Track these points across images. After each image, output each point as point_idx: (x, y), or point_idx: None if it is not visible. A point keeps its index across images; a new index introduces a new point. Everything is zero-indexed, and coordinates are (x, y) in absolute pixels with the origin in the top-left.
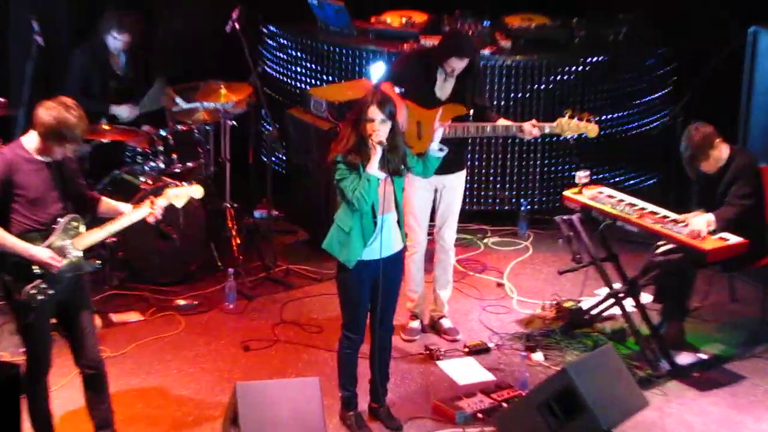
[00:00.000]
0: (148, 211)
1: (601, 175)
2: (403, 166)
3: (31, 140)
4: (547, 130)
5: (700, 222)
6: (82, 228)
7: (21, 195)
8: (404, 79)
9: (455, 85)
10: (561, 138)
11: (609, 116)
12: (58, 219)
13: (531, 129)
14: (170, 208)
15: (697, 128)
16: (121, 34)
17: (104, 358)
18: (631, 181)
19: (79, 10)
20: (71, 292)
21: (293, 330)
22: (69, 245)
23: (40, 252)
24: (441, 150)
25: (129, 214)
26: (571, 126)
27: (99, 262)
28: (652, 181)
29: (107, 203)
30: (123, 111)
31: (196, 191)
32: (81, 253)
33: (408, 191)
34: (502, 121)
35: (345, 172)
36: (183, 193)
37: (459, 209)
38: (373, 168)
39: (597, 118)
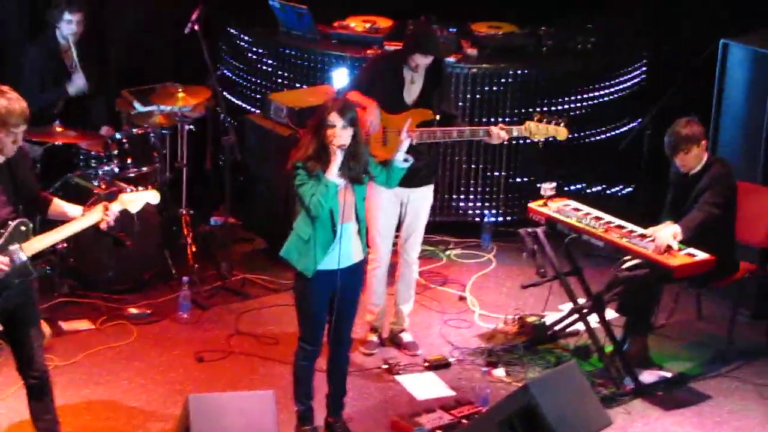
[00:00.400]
0: (100, 216)
1: (569, 186)
2: (365, 175)
3: None
4: (515, 133)
5: (665, 234)
6: (32, 232)
7: None
8: (372, 84)
9: (423, 89)
10: (529, 141)
11: (577, 126)
12: (8, 222)
13: (498, 132)
14: (125, 214)
15: (689, 122)
16: (73, 14)
17: (53, 367)
18: (600, 191)
19: (30, 3)
20: (19, 298)
21: (249, 341)
22: (17, 250)
23: None
24: (406, 161)
25: (80, 219)
26: (539, 129)
27: (48, 267)
28: (623, 192)
29: (58, 205)
30: (78, 79)
31: (152, 196)
32: (29, 259)
33: (373, 203)
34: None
35: (305, 178)
36: (138, 198)
37: (425, 224)
38: (333, 174)
39: (565, 122)
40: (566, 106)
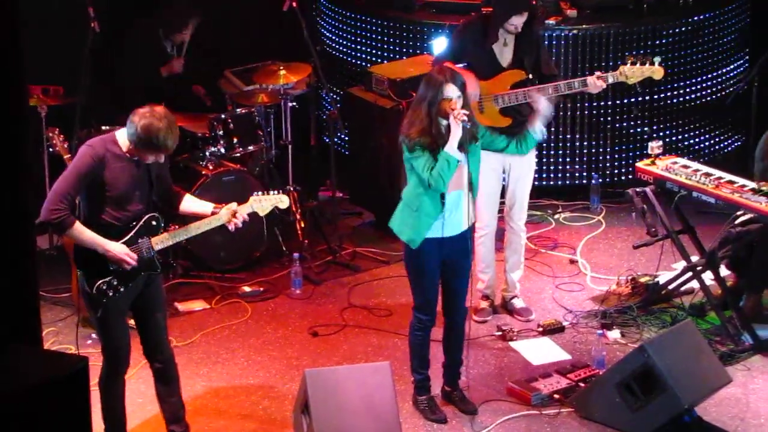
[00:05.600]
0: (229, 218)
1: (677, 142)
2: (473, 141)
3: (125, 138)
4: (611, 80)
5: None
6: (161, 227)
7: (106, 191)
8: (464, 50)
9: (515, 51)
10: (633, 100)
11: (683, 83)
12: (141, 216)
13: (595, 81)
14: (251, 215)
15: None
16: (175, 35)
17: (172, 348)
18: (709, 146)
19: None
20: (145, 288)
21: (362, 314)
22: (146, 242)
23: (115, 247)
24: (543, 133)
25: (210, 220)
26: (634, 71)
27: (173, 262)
28: (732, 146)
29: (190, 201)
30: (176, 64)
31: (282, 201)
32: (156, 252)
33: None
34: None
35: (419, 152)
36: (267, 202)
37: (529, 190)
38: (453, 148)
39: (661, 61)
40: (670, 62)
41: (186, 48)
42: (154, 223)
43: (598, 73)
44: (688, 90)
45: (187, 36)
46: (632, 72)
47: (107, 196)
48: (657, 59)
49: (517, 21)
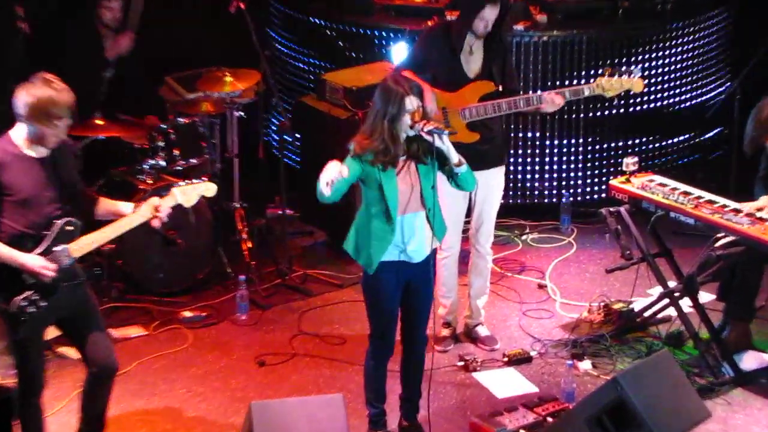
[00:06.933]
0: (151, 213)
1: (654, 158)
2: (429, 157)
3: (19, 133)
4: (586, 93)
5: None
6: (78, 232)
7: (9, 195)
8: (428, 59)
9: (484, 61)
10: (606, 103)
11: (658, 95)
12: (54, 222)
13: (552, 98)
14: (177, 209)
15: None
16: (102, 12)
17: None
18: (686, 161)
19: None
20: (72, 303)
21: (313, 342)
22: (64, 251)
23: (30, 260)
24: (460, 164)
25: (130, 216)
26: (612, 84)
27: (98, 269)
28: (709, 158)
29: (106, 204)
30: (123, 41)
31: (208, 188)
32: (75, 260)
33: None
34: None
35: (356, 162)
36: (192, 191)
37: (497, 209)
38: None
39: (641, 73)
40: (647, 72)
41: (128, 23)
42: (70, 228)
43: (556, 90)
44: (666, 102)
45: (117, 10)
46: (610, 85)
47: (11, 202)
48: (636, 70)
49: (490, 15)
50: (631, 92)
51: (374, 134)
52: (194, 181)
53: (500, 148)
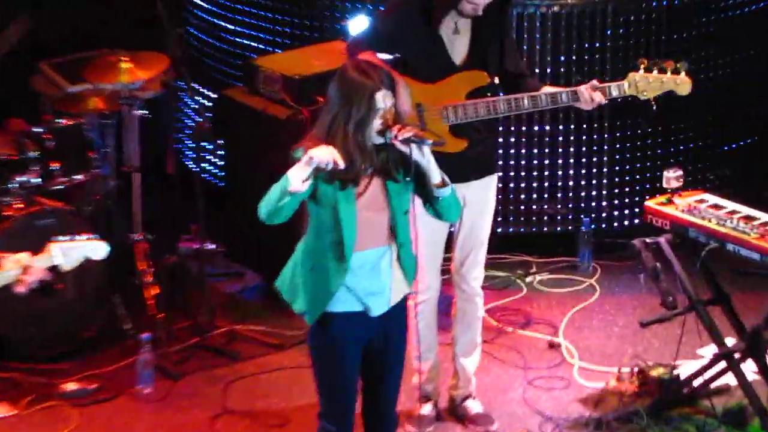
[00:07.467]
0: (18, 274)
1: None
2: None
3: None
4: (615, 93)
5: None
6: None
7: None
8: (396, 36)
9: (472, 42)
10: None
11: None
12: None
13: (591, 93)
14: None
15: None
16: None
17: None
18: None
19: None
20: None
21: (243, 424)
22: None
23: None
24: (444, 185)
25: None
26: (650, 82)
27: None
28: None
29: None
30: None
31: (97, 249)
32: None
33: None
34: (547, 89)
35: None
36: (76, 251)
37: (488, 234)
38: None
39: (689, 65)
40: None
41: None
42: None
43: (594, 82)
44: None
45: None
46: (646, 83)
47: None
48: (683, 64)
49: None
50: (675, 94)
51: (332, 143)
52: (78, 238)
53: (489, 154)
